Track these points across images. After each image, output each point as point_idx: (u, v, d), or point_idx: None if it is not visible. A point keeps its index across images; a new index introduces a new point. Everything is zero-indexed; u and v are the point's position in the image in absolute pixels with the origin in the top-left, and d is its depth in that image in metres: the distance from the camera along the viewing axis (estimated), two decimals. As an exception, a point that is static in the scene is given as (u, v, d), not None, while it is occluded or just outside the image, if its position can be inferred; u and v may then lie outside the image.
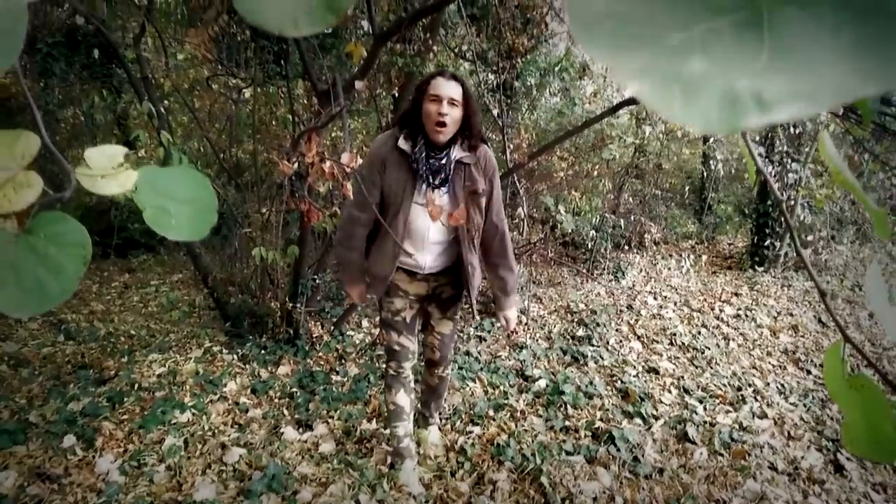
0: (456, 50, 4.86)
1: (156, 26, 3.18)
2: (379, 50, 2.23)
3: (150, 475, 2.14)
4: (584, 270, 5.23)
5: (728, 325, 4.12)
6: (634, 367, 3.28)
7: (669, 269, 5.72)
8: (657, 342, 3.72)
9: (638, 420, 2.67)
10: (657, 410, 2.78)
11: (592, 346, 3.55)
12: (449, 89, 1.74)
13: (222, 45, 3.84)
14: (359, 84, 2.24)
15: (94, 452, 2.26)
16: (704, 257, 6.27)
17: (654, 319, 4.13)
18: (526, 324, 3.90)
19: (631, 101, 2.10)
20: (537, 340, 3.64)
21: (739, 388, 3.08)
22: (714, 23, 0.21)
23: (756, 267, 5.72)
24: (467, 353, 3.29)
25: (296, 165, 2.27)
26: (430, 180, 1.81)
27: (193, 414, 2.57)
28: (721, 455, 2.44)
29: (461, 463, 2.28)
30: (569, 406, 2.75)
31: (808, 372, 3.40)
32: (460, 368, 3.07)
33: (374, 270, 1.96)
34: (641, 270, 5.57)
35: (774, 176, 5.31)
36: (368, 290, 2.10)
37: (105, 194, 0.52)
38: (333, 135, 4.60)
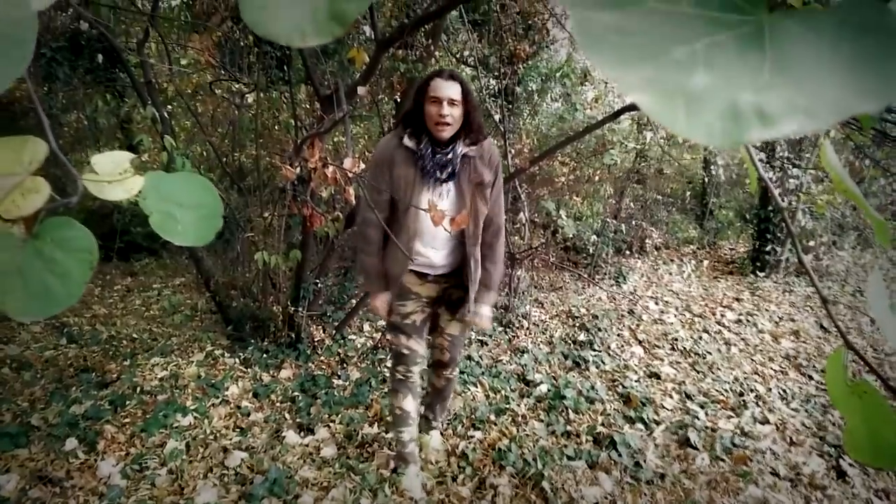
0: (458, 55, 4.88)
1: (159, 31, 3.20)
2: (381, 56, 2.24)
3: (152, 479, 2.14)
4: (586, 275, 5.23)
5: (729, 331, 4.11)
6: (636, 371, 3.28)
7: (671, 274, 5.72)
8: (658, 347, 3.71)
9: (639, 425, 2.67)
10: (659, 415, 2.78)
11: (594, 350, 3.55)
12: (448, 90, 1.78)
13: (225, 50, 3.86)
14: (361, 90, 2.25)
15: (95, 456, 2.26)
16: (706, 262, 6.26)
17: (655, 324, 4.13)
18: (527, 328, 3.90)
19: (632, 107, 2.10)
20: (539, 345, 3.64)
21: (741, 394, 3.08)
22: (717, 37, 0.21)
23: (757, 272, 5.72)
24: (468, 358, 3.29)
25: (298, 170, 2.28)
26: (438, 175, 1.84)
27: (195, 417, 2.57)
28: (723, 460, 2.44)
29: (462, 468, 2.28)
30: (570, 411, 2.75)
31: (810, 377, 3.39)
32: (462, 373, 3.07)
33: (389, 270, 1.98)
34: (643, 275, 5.57)
35: (775, 181, 5.32)
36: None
37: (112, 200, 0.53)
38: (336, 139, 4.61)
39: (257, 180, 3.82)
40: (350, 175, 1.68)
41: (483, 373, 3.13)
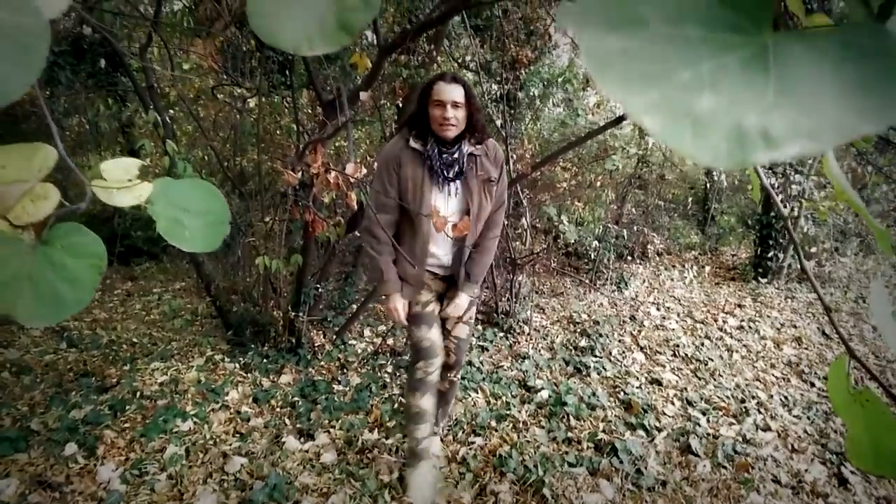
0: (460, 61, 4.90)
1: (162, 36, 3.21)
2: (383, 61, 2.26)
3: (152, 484, 2.14)
4: (587, 281, 5.23)
5: (731, 337, 4.11)
6: (637, 378, 3.27)
7: (672, 279, 5.71)
8: (660, 353, 3.71)
9: (641, 432, 2.66)
10: (660, 422, 2.77)
11: (595, 356, 3.55)
12: (451, 93, 1.81)
13: (227, 54, 3.88)
14: (363, 95, 2.26)
15: (95, 461, 2.26)
16: (707, 268, 6.26)
17: (657, 330, 4.12)
18: (528, 334, 3.89)
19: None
20: (540, 351, 3.64)
21: (743, 400, 3.07)
22: (722, 59, 0.21)
23: (759, 278, 5.72)
24: (470, 364, 3.29)
25: (300, 175, 2.29)
26: (445, 174, 1.88)
27: (195, 423, 2.57)
28: (724, 468, 2.43)
29: (463, 474, 2.27)
30: (571, 417, 2.74)
31: (812, 384, 3.38)
32: (463, 378, 3.06)
33: (408, 272, 2.01)
34: (644, 281, 5.57)
35: (778, 187, 5.32)
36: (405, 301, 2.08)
37: (120, 206, 0.53)
38: (337, 144, 4.62)
39: (259, 185, 3.83)
40: (352, 180, 1.69)
41: (484, 378, 3.13)
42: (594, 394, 2.98)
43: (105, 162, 0.55)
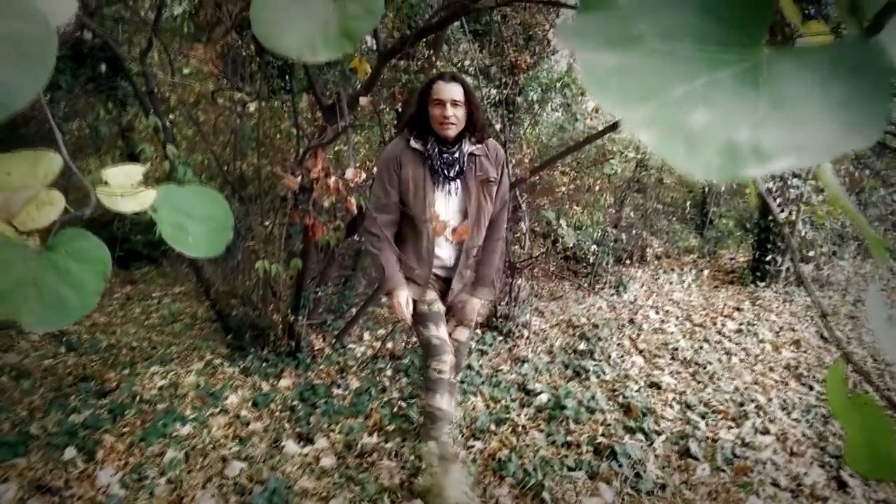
0: (459, 66, 4.92)
1: (162, 41, 3.22)
2: (383, 66, 2.27)
3: (151, 488, 2.13)
4: (586, 284, 5.24)
5: (730, 340, 4.11)
6: (636, 381, 3.28)
7: (671, 283, 5.72)
8: (659, 357, 3.71)
9: (640, 435, 2.67)
10: (659, 426, 2.77)
11: (594, 360, 3.55)
12: (451, 92, 1.83)
13: (228, 59, 3.89)
14: (363, 100, 2.28)
15: (94, 465, 2.26)
16: (706, 272, 6.27)
17: (655, 334, 4.13)
18: (527, 338, 3.90)
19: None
20: (539, 354, 3.64)
21: (742, 404, 3.07)
22: (715, 75, 0.22)
23: (758, 282, 5.72)
24: (469, 367, 3.29)
25: (300, 179, 2.30)
26: (446, 173, 1.89)
27: (194, 427, 2.57)
28: (723, 471, 2.43)
29: (463, 478, 2.27)
30: (570, 421, 2.74)
31: (811, 388, 3.38)
32: (462, 382, 3.06)
33: (414, 273, 2.01)
34: (643, 285, 5.58)
35: (776, 191, 5.34)
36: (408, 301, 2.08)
37: (124, 212, 0.54)
38: (337, 148, 4.63)
39: (258, 189, 3.83)
40: (352, 185, 1.70)
41: (483, 382, 3.13)
42: (593, 397, 2.98)
43: (108, 168, 0.56)
